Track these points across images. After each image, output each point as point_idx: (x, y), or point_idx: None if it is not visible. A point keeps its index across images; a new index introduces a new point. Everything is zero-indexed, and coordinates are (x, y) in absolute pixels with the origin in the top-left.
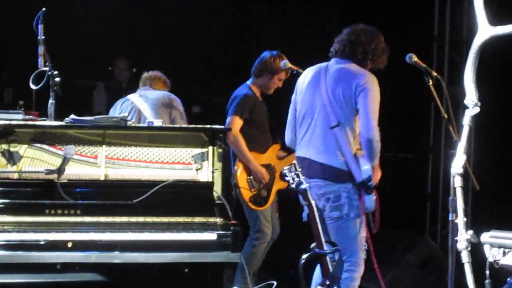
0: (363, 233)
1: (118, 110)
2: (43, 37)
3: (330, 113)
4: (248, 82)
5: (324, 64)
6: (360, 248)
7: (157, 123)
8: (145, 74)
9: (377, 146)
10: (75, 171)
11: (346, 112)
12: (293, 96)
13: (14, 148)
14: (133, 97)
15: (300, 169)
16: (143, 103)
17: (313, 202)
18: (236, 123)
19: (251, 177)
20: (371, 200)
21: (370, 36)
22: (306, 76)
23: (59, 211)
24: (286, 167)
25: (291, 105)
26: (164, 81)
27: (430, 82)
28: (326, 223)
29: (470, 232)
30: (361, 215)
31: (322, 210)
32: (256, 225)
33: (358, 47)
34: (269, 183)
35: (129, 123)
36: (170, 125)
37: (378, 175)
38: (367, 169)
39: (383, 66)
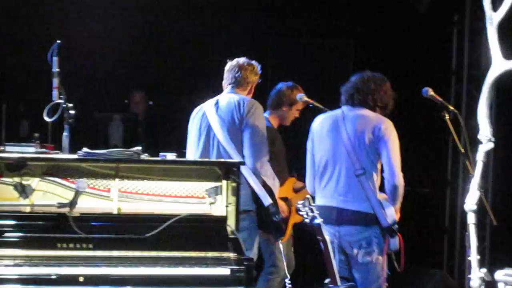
0: (385, 273)
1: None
2: (57, 70)
3: (355, 161)
4: (266, 114)
5: (338, 111)
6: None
7: (171, 156)
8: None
9: (402, 191)
10: (87, 204)
11: (371, 158)
12: (308, 144)
13: (26, 181)
14: (207, 107)
15: (314, 205)
16: (214, 115)
17: (327, 238)
18: None
19: None
20: (395, 242)
21: (379, 84)
22: (323, 124)
23: (71, 245)
24: (300, 202)
25: (308, 153)
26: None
27: (447, 116)
28: (353, 266)
29: (484, 270)
30: (385, 256)
31: (353, 256)
32: (271, 259)
33: (368, 94)
34: (287, 217)
35: (142, 156)
36: (184, 159)
37: (398, 216)
38: (392, 213)
39: (389, 112)
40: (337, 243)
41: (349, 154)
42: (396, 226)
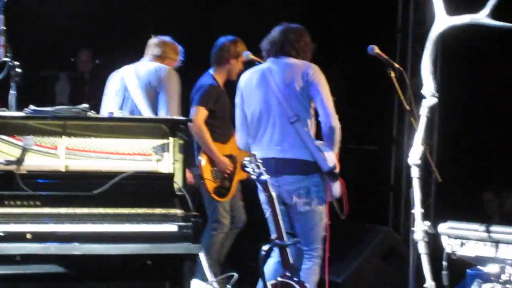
0: (325, 221)
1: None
2: (3, 28)
3: (287, 109)
4: (211, 72)
5: (263, 65)
6: (321, 237)
7: (117, 113)
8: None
9: (339, 134)
10: (34, 162)
11: (304, 104)
12: (237, 99)
13: None
14: (125, 72)
15: (260, 161)
16: (134, 80)
17: (273, 194)
18: (201, 114)
19: (215, 168)
20: (337, 188)
21: (298, 34)
22: (251, 78)
23: (18, 202)
24: (246, 158)
25: (237, 109)
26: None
27: (392, 74)
28: (292, 217)
29: (427, 223)
30: (325, 204)
31: (293, 205)
32: (214, 215)
33: (289, 46)
34: (231, 173)
35: (89, 113)
36: (131, 116)
37: (337, 163)
38: (332, 157)
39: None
40: (276, 194)
41: (281, 103)
42: (337, 170)
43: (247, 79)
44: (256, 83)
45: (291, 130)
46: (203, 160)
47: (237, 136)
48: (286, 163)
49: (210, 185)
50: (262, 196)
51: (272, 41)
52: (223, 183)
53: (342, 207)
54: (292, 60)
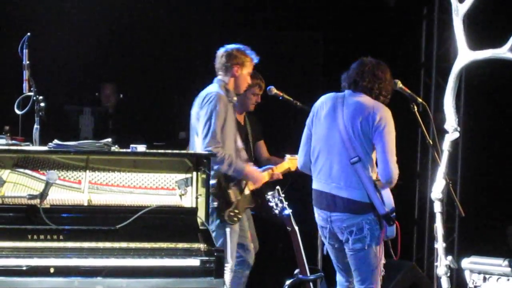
0: (383, 261)
1: None
2: (28, 62)
3: (349, 148)
4: None
5: (340, 94)
6: (379, 275)
7: (141, 148)
8: None
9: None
10: (58, 196)
11: (365, 147)
12: (308, 120)
13: None
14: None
15: (283, 195)
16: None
17: (296, 228)
18: None
19: None
20: (392, 229)
21: (384, 71)
22: (323, 105)
23: (42, 236)
24: (270, 193)
25: (306, 129)
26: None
27: (415, 109)
28: (346, 255)
29: (450, 257)
30: (381, 244)
31: (345, 242)
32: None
33: (374, 82)
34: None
35: (112, 147)
36: (154, 151)
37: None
38: (390, 200)
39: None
40: (329, 228)
41: (344, 141)
42: (394, 214)
43: (320, 104)
44: (325, 112)
45: (351, 170)
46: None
47: (299, 155)
48: (340, 201)
49: None
50: (324, 233)
51: (355, 73)
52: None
53: (396, 248)
54: (365, 99)
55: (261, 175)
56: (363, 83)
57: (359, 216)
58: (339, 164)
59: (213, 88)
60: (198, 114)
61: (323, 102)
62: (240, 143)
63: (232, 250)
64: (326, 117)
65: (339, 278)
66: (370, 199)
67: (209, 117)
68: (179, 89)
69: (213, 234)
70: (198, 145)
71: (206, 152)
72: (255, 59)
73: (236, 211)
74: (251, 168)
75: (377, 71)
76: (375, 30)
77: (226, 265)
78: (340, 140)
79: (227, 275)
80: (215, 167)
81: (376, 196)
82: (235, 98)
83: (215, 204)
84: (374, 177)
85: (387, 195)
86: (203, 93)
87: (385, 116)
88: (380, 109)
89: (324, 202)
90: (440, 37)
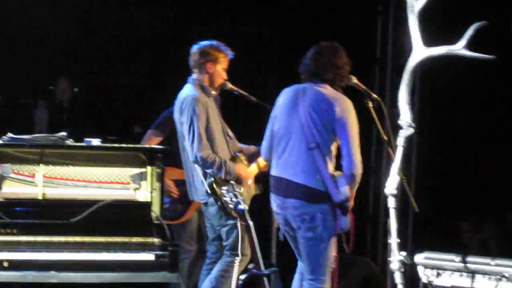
0: (333, 253)
1: None
2: None
3: (308, 135)
4: None
5: (301, 86)
6: (329, 267)
7: (96, 142)
8: None
9: (359, 180)
10: (12, 190)
11: (324, 137)
12: (272, 113)
13: None
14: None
15: (239, 190)
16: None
17: (251, 223)
18: None
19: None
20: (346, 221)
21: (335, 56)
22: (285, 97)
23: None
24: (224, 188)
25: (269, 121)
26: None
27: (370, 104)
28: (298, 242)
29: (403, 253)
30: (334, 235)
31: (297, 229)
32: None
33: (334, 72)
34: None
35: (67, 141)
36: (108, 145)
37: (352, 199)
38: (346, 190)
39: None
40: (283, 215)
41: (303, 127)
42: (348, 204)
43: (283, 95)
44: (285, 102)
45: (308, 156)
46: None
47: (262, 147)
48: (295, 187)
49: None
50: (280, 219)
51: (307, 64)
52: (173, 206)
53: (348, 241)
54: (325, 90)
55: (250, 171)
56: (323, 75)
57: (313, 204)
58: (297, 150)
59: (187, 91)
60: (180, 120)
61: (285, 94)
62: (230, 133)
63: (245, 244)
64: (287, 107)
65: (299, 264)
66: (325, 186)
67: (191, 122)
68: (134, 83)
69: (225, 229)
70: (188, 149)
71: (160, 147)
72: (230, 55)
73: None
74: (239, 166)
75: (335, 59)
76: (330, 26)
77: (236, 258)
78: (299, 127)
79: (236, 268)
80: (208, 170)
81: (332, 183)
82: (213, 92)
83: (219, 203)
84: (331, 169)
85: (344, 185)
86: (180, 98)
87: (347, 109)
88: (341, 101)
89: (280, 188)
90: (396, 33)
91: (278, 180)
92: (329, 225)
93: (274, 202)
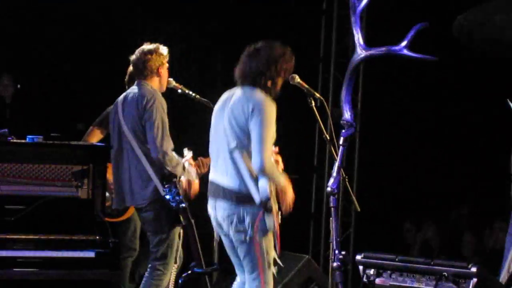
0: (272, 253)
1: None
2: None
3: (229, 137)
4: None
5: (234, 88)
6: (268, 267)
7: (38, 139)
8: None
9: (271, 172)
10: None
11: (241, 137)
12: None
13: None
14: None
15: (179, 189)
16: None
17: (192, 221)
18: None
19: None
20: (270, 220)
21: (267, 60)
22: (219, 100)
23: None
24: (166, 186)
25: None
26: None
27: (313, 103)
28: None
29: (343, 252)
30: (265, 236)
31: (227, 231)
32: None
33: (252, 75)
34: None
35: (8, 138)
36: (51, 142)
37: (289, 196)
38: (265, 188)
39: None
40: (214, 216)
41: (225, 131)
42: (270, 203)
43: (219, 101)
44: (219, 107)
45: (230, 159)
46: None
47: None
48: (222, 190)
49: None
50: (213, 222)
51: (241, 64)
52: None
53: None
54: (249, 92)
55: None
56: (255, 77)
57: (240, 206)
58: (222, 154)
59: (145, 90)
60: (136, 117)
61: (221, 97)
62: None
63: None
64: (218, 111)
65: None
66: (247, 188)
67: (156, 118)
68: (77, 80)
69: (156, 239)
70: (150, 146)
71: (102, 144)
72: (165, 52)
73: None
74: (185, 164)
75: (270, 59)
76: (273, 23)
77: (166, 267)
78: (223, 131)
79: (169, 276)
80: (168, 168)
81: (252, 185)
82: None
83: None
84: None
85: (262, 184)
86: (135, 97)
87: (262, 107)
88: (257, 100)
89: (211, 190)
90: (339, 32)
91: (211, 183)
92: (259, 226)
93: (208, 204)
